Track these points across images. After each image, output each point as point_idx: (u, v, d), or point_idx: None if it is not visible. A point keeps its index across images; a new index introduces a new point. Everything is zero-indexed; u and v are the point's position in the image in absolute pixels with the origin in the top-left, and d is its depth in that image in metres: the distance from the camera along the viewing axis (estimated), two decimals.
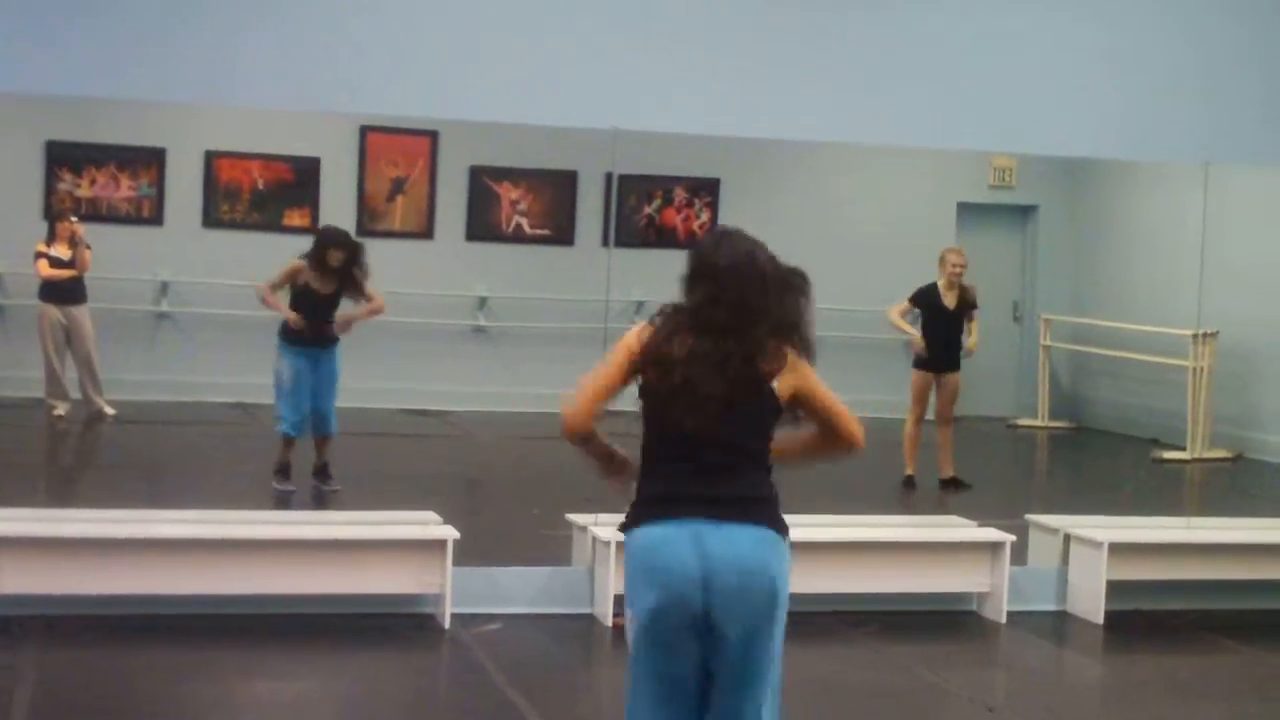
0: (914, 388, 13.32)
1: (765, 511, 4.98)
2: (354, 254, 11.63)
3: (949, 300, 13.18)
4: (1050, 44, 10.18)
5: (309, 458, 11.68)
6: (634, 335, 5.06)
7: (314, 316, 11.52)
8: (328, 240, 11.74)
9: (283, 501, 11.37)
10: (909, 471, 13.19)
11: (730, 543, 4.88)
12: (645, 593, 4.92)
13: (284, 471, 11.63)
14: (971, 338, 13.35)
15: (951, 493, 13.02)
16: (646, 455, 5.07)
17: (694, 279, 5.07)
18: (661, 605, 4.89)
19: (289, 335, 11.56)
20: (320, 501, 11.40)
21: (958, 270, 13.14)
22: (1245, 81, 10.41)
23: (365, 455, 12.29)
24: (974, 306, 13.32)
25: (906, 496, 12.95)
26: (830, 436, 5.12)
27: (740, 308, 4.99)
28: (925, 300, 13.20)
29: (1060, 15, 10.22)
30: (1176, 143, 10.51)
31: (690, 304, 5.03)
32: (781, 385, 5.01)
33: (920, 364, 13.27)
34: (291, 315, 11.48)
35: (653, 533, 4.94)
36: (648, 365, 4.99)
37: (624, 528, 5.05)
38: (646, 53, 9.57)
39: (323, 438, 11.75)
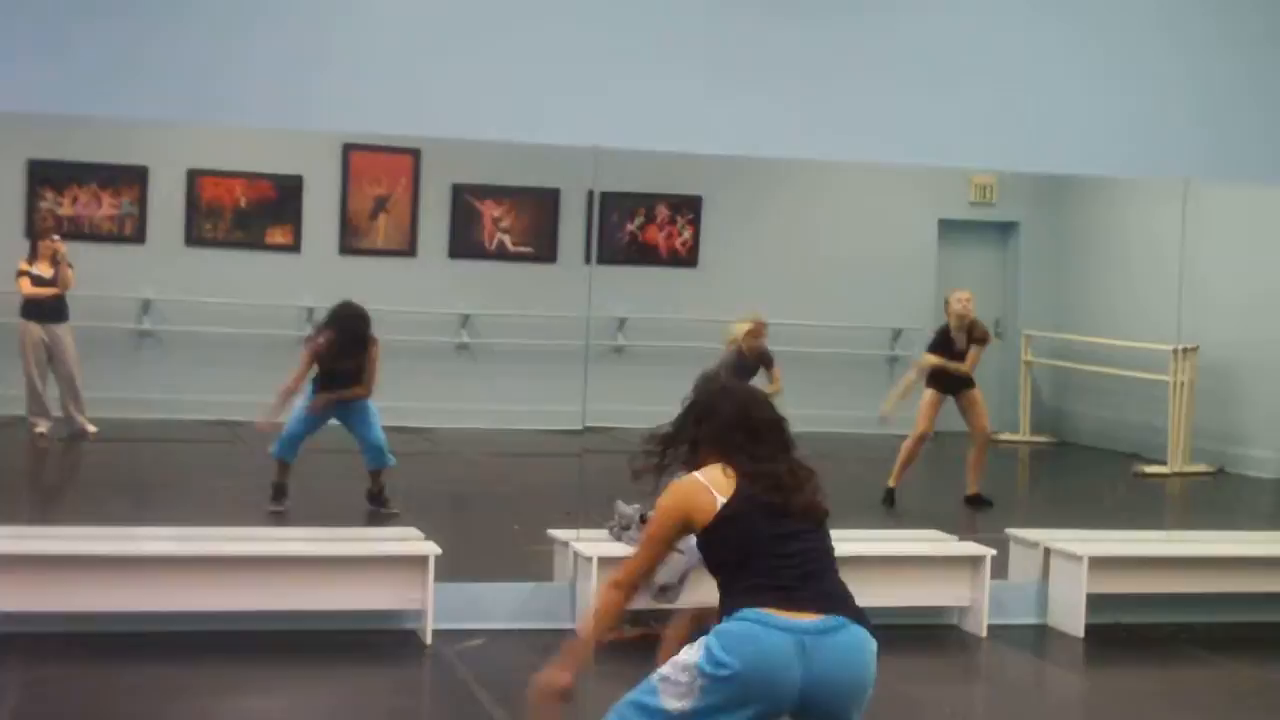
0: (924, 405, 13.36)
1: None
2: (362, 328, 11.88)
3: (960, 341, 13.33)
4: (1032, 60, 10.22)
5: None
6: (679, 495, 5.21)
7: (337, 381, 11.84)
8: (342, 314, 11.95)
9: (310, 515, 11.48)
10: (890, 484, 13.21)
11: (841, 646, 4.97)
12: (739, 690, 4.91)
13: (277, 491, 11.73)
14: (965, 364, 13.44)
15: (974, 510, 13.12)
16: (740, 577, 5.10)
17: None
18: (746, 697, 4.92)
19: (316, 385, 11.90)
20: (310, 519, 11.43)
21: (962, 308, 13.30)
22: (1233, 97, 10.46)
23: (347, 471, 12.27)
24: (982, 343, 13.44)
25: (884, 511, 12.94)
26: None
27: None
28: (941, 347, 13.34)
29: (1044, 32, 10.27)
30: (1161, 160, 10.56)
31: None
32: None
33: (933, 383, 13.37)
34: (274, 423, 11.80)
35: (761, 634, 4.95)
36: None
37: (727, 614, 5.03)
38: (629, 71, 9.60)
39: (378, 469, 11.99)
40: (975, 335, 13.41)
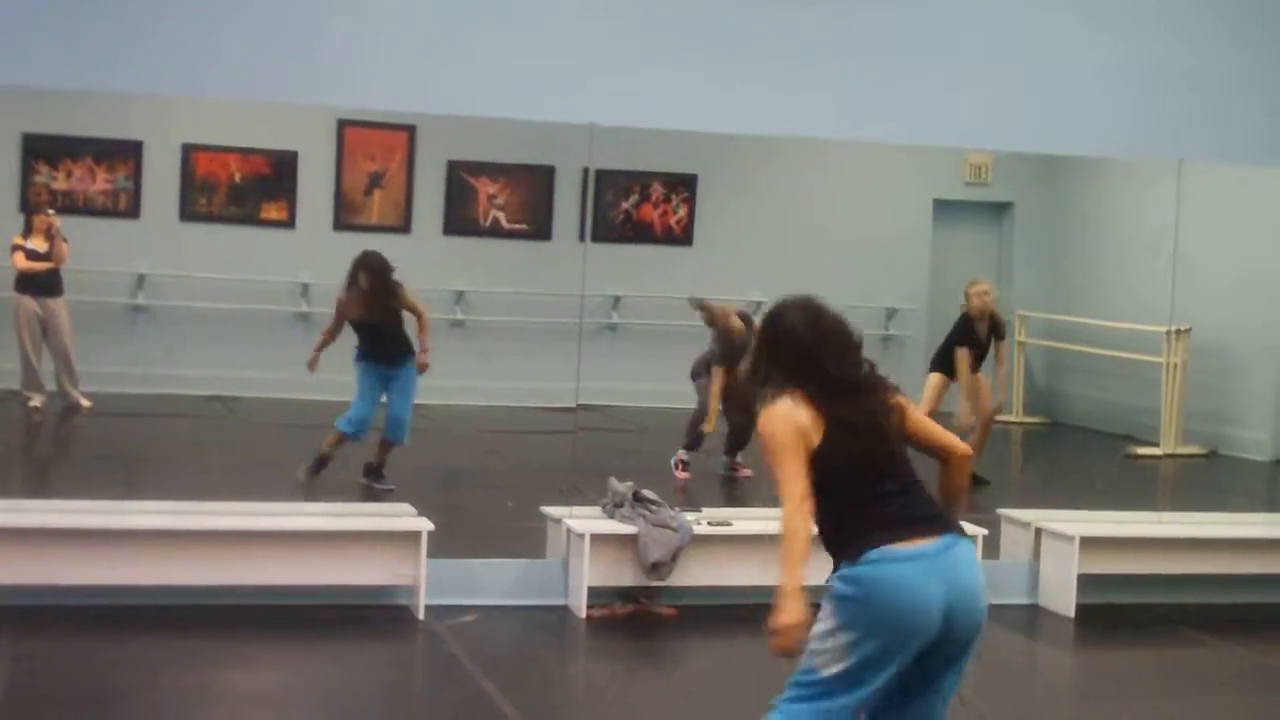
0: (929, 388, 13.34)
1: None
2: (383, 277, 11.80)
3: (981, 330, 13.30)
4: (1026, 41, 10.22)
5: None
6: (782, 417, 5.10)
7: (376, 343, 11.82)
8: (360, 264, 11.95)
9: (305, 490, 11.54)
10: None
11: (958, 563, 5.04)
12: (879, 623, 4.96)
13: (318, 463, 11.80)
14: (1002, 366, 13.45)
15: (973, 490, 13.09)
16: (848, 508, 5.10)
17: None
18: (896, 638, 4.97)
19: (359, 352, 11.89)
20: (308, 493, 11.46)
21: (982, 301, 13.32)
22: (1227, 79, 10.46)
23: (341, 448, 12.28)
24: (1002, 337, 13.46)
25: None
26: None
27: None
28: (964, 336, 13.33)
29: (1038, 12, 10.27)
30: (1155, 141, 10.57)
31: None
32: None
33: (938, 368, 13.37)
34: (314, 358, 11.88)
35: (895, 569, 4.98)
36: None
37: (852, 560, 5.02)
38: (624, 48, 9.60)
39: (391, 442, 11.98)
40: (998, 329, 13.41)
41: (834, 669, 4.97)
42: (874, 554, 4.96)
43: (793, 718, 5.02)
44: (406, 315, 11.94)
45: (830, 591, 5.04)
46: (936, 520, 5.10)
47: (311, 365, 11.87)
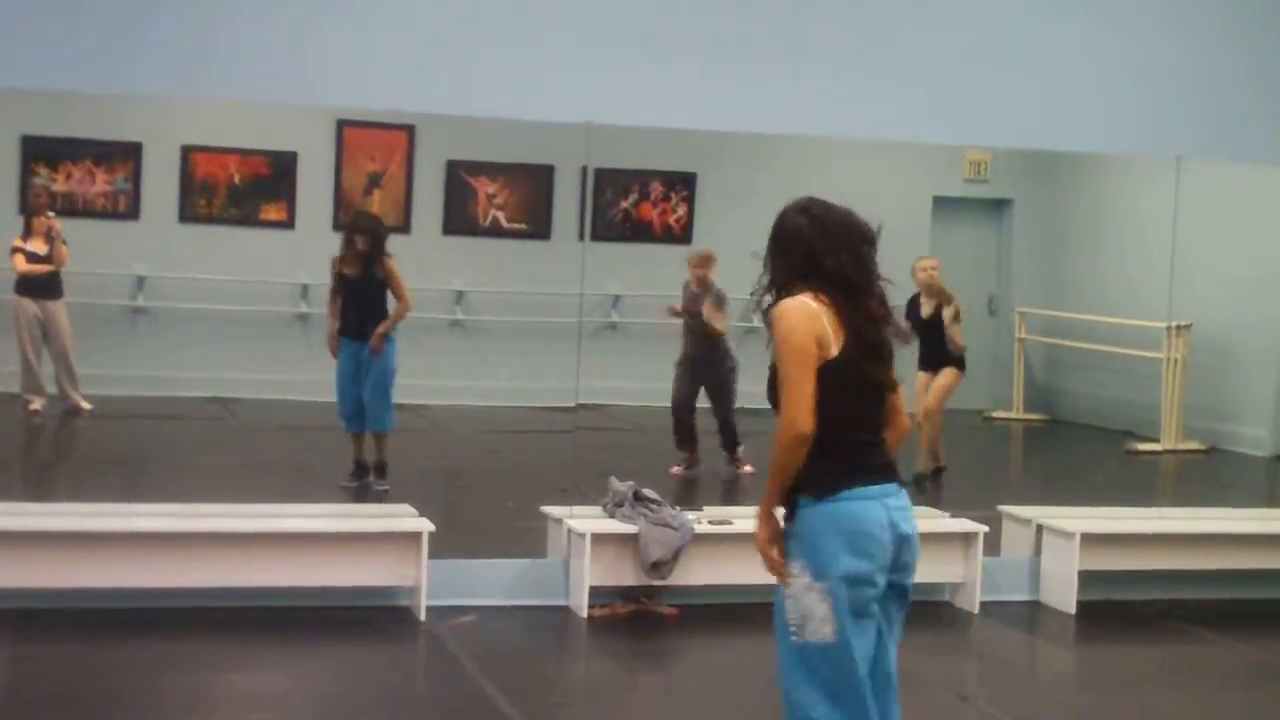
0: (918, 386, 13.33)
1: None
2: (375, 236, 11.76)
3: (926, 309, 13.19)
4: (1025, 37, 10.22)
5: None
6: (804, 319, 5.03)
7: (352, 307, 11.70)
8: (351, 224, 12.06)
9: (351, 495, 11.56)
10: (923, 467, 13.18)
11: (905, 506, 5.15)
12: (852, 560, 5.00)
13: (356, 467, 11.85)
14: (956, 342, 13.28)
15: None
16: (832, 426, 5.05)
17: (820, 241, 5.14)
18: (869, 572, 5.02)
19: (340, 330, 11.79)
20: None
21: (924, 276, 13.17)
22: (1226, 77, 10.46)
23: (341, 449, 12.28)
24: (943, 306, 13.26)
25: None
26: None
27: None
28: (910, 314, 13.22)
29: (1037, 9, 10.27)
30: (1154, 138, 10.57)
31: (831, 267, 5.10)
32: None
33: (919, 364, 13.34)
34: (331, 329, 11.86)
35: (856, 504, 5.04)
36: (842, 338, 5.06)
37: (819, 496, 5.03)
38: (622, 47, 9.59)
39: (373, 433, 11.90)
40: (945, 304, 13.22)
41: (827, 630, 5.00)
42: (847, 493, 5.01)
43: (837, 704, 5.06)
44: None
45: (790, 543, 5.05)
46: (893, 467, 5.18)
47: (332, 347, 11.81)
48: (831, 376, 5.00)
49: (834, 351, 5.01)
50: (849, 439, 5.07)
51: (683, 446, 13.18)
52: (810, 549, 5.01)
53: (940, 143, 12.07)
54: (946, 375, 13.24)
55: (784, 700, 5.16)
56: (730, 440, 13.24)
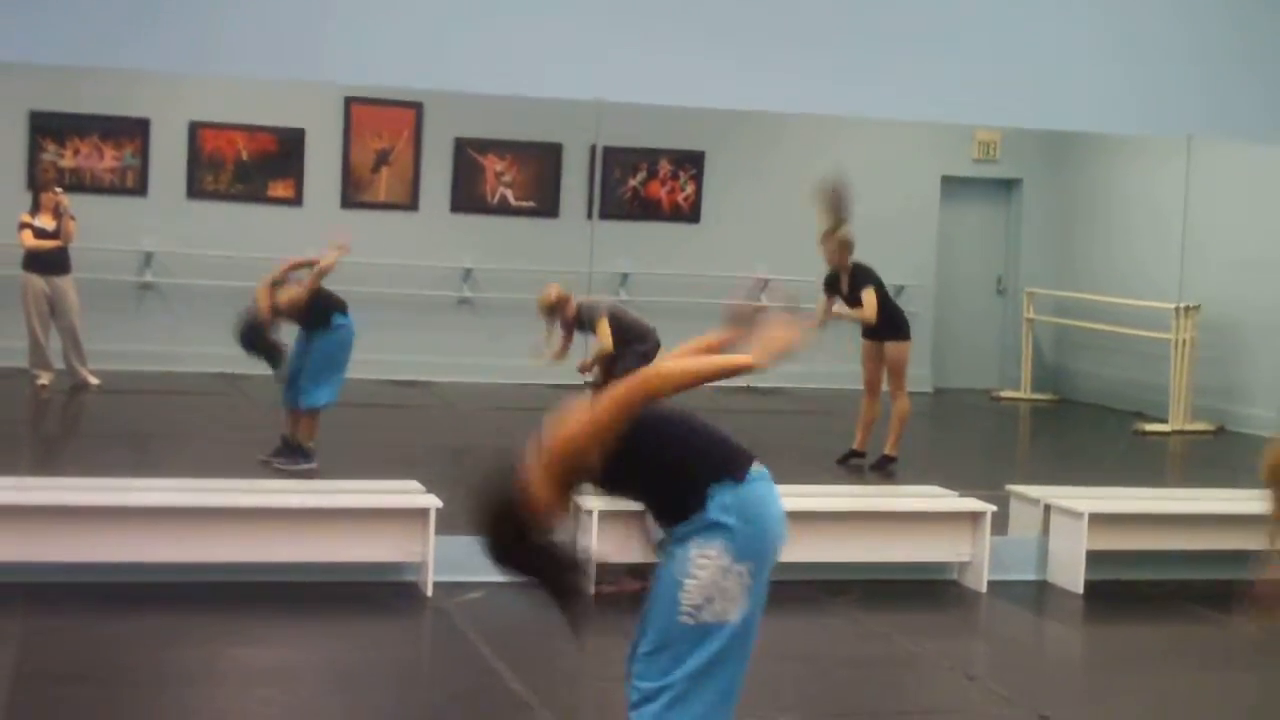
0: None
1: None
2: None
3: (844, 284, 12.87)
4: (1034, 17, 10.20)
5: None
6: None
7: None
8: None
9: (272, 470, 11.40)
10: (857, 448, 12.99)
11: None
12: (763, 546, 4.99)
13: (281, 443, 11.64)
14: (863, 310, 12.76)
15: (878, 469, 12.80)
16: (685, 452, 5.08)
17: None
18: (769, 557, 5.01)
19: None
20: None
21: (831, 262, 12.84)
22: (1232, 57, 10.44)
23: (349, 425, 12.29)
24: (861, 282, 12.82)
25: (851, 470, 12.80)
26: None
27: None
28: (827, 287, 12.95)
29: None
30: (1163, 117, 10.55)
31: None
32: None
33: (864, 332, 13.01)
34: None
35: (762, 485, 5.02)
36: None
37: (737, 480, 5.00)
38: (631, 25, 9.59)
39: (289, 409, 11.63)
40: (858, 279, 12.79)
41: (735, 613, 4.94)
42: (750, 475, 4.98)
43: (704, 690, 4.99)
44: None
45: (709, 531, 4.95)
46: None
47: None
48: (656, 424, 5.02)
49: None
50: (709, 450, 5.07)
51: None
52: (731, 531, 4.96)
53: (950, 122, 12.07)
54: (897, 350, 12.88)
55: (634, 681, 5.13)
56: None
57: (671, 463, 5.01)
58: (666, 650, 5.00)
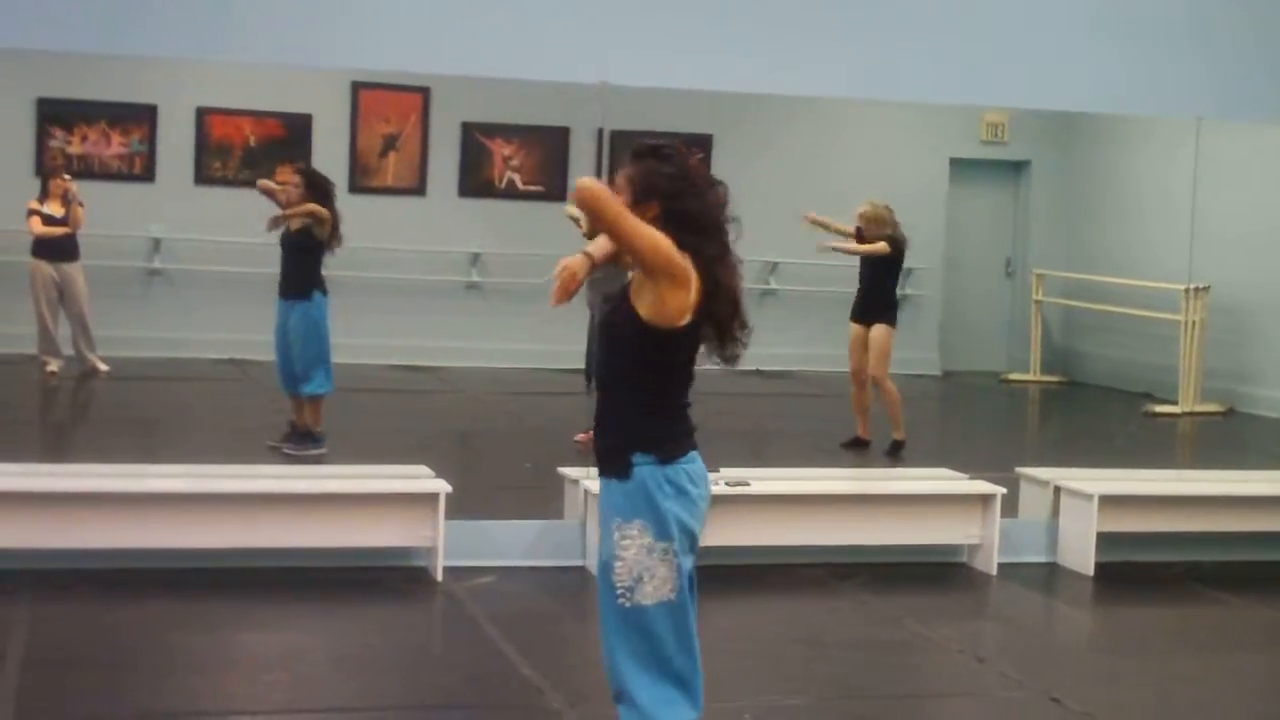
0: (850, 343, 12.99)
1: None
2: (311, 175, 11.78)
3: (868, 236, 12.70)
4: None
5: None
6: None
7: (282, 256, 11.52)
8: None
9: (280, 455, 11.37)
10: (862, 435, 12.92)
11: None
12: (693, 523, 5.04)
13: (289, 428, 11.65)
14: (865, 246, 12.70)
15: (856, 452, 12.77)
16: (670, 387, 5.09)
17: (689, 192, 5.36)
18: (698, 531, 5.07)
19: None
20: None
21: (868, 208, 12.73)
22: (1240, 37, 10.40)
23: (358, 410, 12.30)
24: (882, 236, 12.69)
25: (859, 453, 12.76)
26: None
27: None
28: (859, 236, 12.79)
29: None
30: (1171, 98, 10.51)
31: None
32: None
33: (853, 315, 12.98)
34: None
35: (694, 466, 5.07)
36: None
37: (669, 458, 5.03)
38: (638, 8, 9.56)
39: (292, 396, 11.64)
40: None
41: (668, 591, 5.01)
42: (683, 456, 5.03)
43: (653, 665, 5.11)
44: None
45: (641, 496, 5.00)
46: None
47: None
48: (684, 340, 5.02)
49: (692, 299, 5.03)
50: (683, 402, 5.10)
51: None
52: (654, 509, 4.99)
53: (958, 104, 12.04)
54: (879, 335, 12.74)
55: (608, 670, 5.20)
56: None
57: (666, 380, 5.05)
58: (618, 639, 5.24)
